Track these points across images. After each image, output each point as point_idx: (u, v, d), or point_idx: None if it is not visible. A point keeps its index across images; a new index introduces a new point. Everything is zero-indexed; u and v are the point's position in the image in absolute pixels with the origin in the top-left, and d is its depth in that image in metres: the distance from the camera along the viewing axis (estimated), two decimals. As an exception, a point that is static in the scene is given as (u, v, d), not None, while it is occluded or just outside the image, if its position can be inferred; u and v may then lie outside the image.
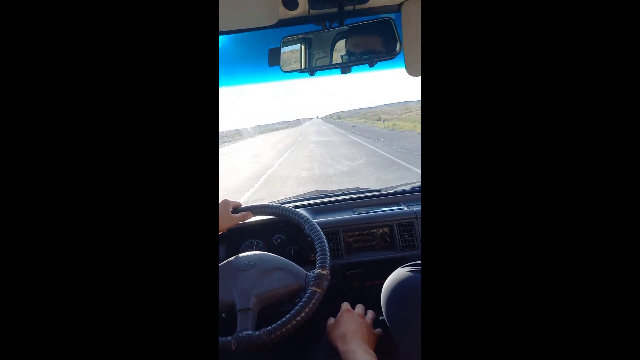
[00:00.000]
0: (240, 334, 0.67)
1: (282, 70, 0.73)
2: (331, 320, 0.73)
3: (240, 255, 0.83)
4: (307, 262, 1.03)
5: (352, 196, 1.27)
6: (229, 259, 0.82)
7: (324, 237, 0.82)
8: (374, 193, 1.29)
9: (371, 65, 0.66)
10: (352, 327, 0.67)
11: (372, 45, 0.65)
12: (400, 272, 0.89)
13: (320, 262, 0.76)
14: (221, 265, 0.81)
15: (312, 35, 0.68)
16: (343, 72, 0.66)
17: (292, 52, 0.70)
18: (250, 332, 0.67)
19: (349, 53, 0.67)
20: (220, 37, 0.77)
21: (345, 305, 0.75)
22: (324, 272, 0.74)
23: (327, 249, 0.79)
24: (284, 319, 0.68)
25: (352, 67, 0.67)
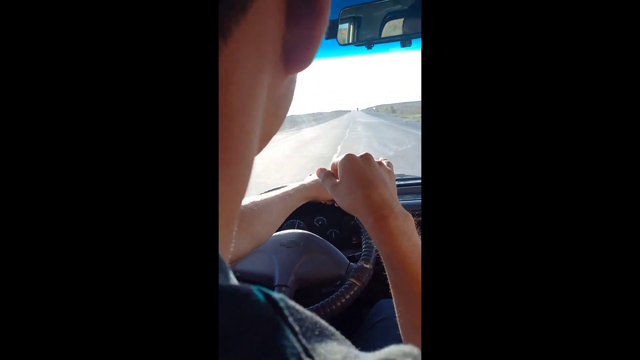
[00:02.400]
0: None
1: (338, 44, 0.71)
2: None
3: (285, 231, 0.83)
4: (349, 245, 1.01)
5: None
6: (273, 234, 0.82)
7: None
8: (411, 181, 1.23)
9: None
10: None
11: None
12: None
13: (365, 255, 0.72)
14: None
15: (372, 6, 0.64)
16: (403, 45, 0.62)
17: (349, 25, 0.67)
18: None
19: (409, 26, 0.63)
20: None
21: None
22: (367, 266, 0.70)
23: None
24: (317, 304, 0.66)
25: (413, 40, 0.62)
